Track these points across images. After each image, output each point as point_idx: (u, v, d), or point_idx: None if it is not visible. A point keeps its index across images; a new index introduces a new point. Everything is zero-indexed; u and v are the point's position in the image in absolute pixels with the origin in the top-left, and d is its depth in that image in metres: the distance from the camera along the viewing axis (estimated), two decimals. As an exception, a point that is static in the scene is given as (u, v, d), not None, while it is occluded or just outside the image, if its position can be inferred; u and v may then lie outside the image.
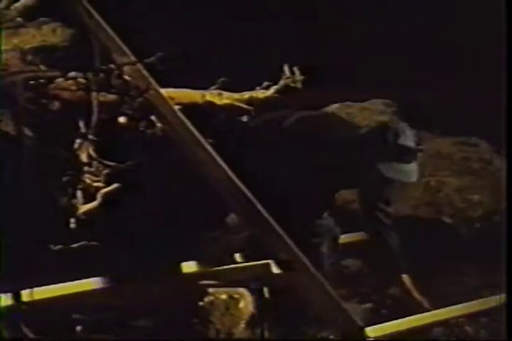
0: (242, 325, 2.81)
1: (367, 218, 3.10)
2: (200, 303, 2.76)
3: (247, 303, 2.79)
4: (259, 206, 2.62)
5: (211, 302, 2.76)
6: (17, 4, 2.86)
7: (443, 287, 3.26)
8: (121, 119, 2.71)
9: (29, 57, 2.88)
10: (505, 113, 2.60)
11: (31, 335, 2.42)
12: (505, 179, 2.67)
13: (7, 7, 2.92)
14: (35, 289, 2.47)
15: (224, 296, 2.76)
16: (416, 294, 3.04)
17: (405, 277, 3.07)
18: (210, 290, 2.78)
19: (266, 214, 2.63)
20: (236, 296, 2.75)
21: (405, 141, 2.73)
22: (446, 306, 2.95)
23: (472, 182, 3.76)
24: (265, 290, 2.71)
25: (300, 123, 2.89)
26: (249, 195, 2.65)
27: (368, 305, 3.18)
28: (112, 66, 2.63)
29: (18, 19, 2.95)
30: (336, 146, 2.79)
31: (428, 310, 2.97)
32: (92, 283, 2.60)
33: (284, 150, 2.84)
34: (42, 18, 3.16)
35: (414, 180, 2.76)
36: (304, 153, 2.79)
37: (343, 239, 3.21)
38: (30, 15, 3.01)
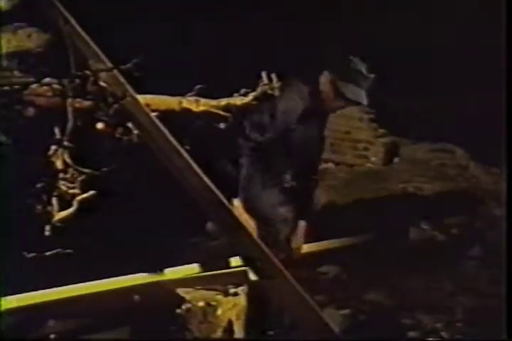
0: (220, 333, 2.80)
1: None
2: (178, 311, 2.74)
3: (224, 310, 2.77)
4: (233, 211, 2.62)
5: (188, 310, 2.74)
6: (-8, 9, 2.83)
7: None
8: (99, 125, 2.68)
9: (4, 63, 2.84)
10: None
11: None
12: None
13: (-19, 12, 2.88)
14: (8, 297, 2.44)
15: (201, 303, 2.75)
16: None
17: None
18: (188, 297, 2.76)
19: (242, 221, 2.63)
20: (213, 303, 2.74)
21: (361, 67, 2.98)
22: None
23: (448, 188, 3.80)
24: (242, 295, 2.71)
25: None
26: (224, 201, 2.65)
27: (345, 311, 3.20)
28: (88, 72, 2.61)
29: (-7, 24, 2.91)
30: None
31: None
32: (68, 291, 2.57)
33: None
34: (17, 23, 3.13)
35: (365, 103, 3.03)
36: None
37: (320, 245, 3.22)
38: (5, 19, 2.98)
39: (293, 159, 3.06)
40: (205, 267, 2.87)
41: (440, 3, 3.92)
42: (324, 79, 3.01)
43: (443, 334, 3.01)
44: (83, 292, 2.66)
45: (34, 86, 2.60)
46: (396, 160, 4.18)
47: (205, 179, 2.64)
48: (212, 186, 2.64)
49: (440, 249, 3.58)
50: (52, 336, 2.64)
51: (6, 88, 2.54)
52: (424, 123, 4.04)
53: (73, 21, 2.73)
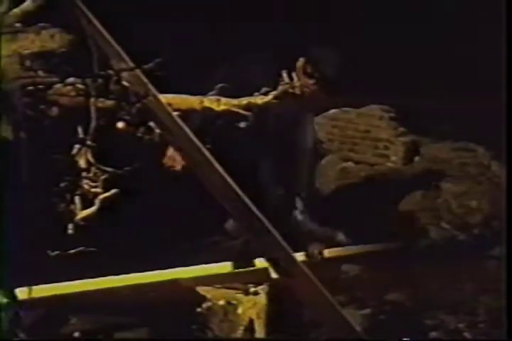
0: (240, 331, 2.81)
1: None
2: (199, 309, 2.75)
3: (245, 309, 2.78)
4: (256, 211, 2.62)
5: (209, 308, 2.76)
6: (16, 10, 2.86)
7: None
8: (120, 125, 2.71)
9: (27, 63, 2.88)
10: (505, 118, 2.60)
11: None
12: (505, 185, 2.68)
13: (6, 12, 2.91)
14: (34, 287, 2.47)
15: (222, 302, 2.76)
16: None
17: None
18: (208, 295, 2.77)
19: (264, 219, 2.63)
20: (234, 302, 2.75)
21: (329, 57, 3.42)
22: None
23: (470, 188, 3.77)
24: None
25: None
26: (246, 199, 2.65)
27: (366, 311, 3.18)
28: (111, 72, 2.63)
29: (17, 25, 2.95)
30: None
31: None
32: (90, 284, 2.59)
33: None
34: (41, 24, 3.16)
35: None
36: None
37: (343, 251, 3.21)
38: (29, 20, 3.01)
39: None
40: (234, 265, 2.88)
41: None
42: (299, 64, 3.26)
43: (466, 334, 2.99)
44: (104, 286, 2.68)
45: (58, 86, 2.63)
46: (417, 159, 4.15)
47: (227, 177, 2.65)
48: (234, 184, 2.64)
49: (462, 248, 3.55)
50: (75, 334, 2.67)
51: (31, 88, 2.57)
52: (445, 121, 4.01)
53: (96, 21, 2.76)
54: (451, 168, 3.91)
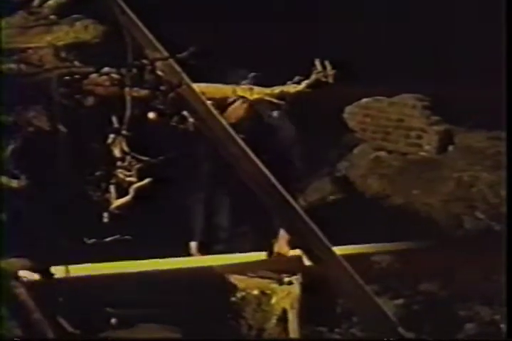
0: (274, 321, 2.81)
1: None
2: (233, 299, 2.76)
3: (278, 299, 2.78)
4: (290, 199, 2.61)
5: (243, 298, 2.76)
6: (51, 2, 2.90)
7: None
8: (151, 115, 2.73)
9: (63, 54, 2.91)
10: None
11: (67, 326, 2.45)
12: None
13: (40, 5, 2.95)
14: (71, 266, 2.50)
15: (256, 292, 2.76)
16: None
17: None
18: (242, 285, 2.78)
19: (298, 208, 2.62)
20: (268, 292, 2.75)
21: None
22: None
23: (505, 177, 3.70)
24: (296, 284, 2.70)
25: None
26: (280, 188, 2.65)
27: (399, 301, 3.16)
28: (145, 61, 2.64)
29: (52, 17, 2.98)
30: None
31: None
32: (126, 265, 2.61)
33: None
34: (74, 15, 3.19)
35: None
36: None
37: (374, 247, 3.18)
38: (63, 12, 3.04)
39: None
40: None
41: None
42: None
43: (502, 326, 2.94)
44: (138, 268, 2.69)
45: (93, 76, 2.65)
46: (451, 148, 4.08)
47: (261, 166, 2.64)
48: (268, 173, 2.64)
49: (497, 239, 3.49)
50: (112, 321, 2.69)
51: (67, 78, 2.60)
52: (479, 110, 3.93)
53: (129, 12, 2.77)
54: (485, 157, 3.84)
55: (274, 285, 2.78)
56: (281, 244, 3.01)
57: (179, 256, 2.86)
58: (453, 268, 3.29)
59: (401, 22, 4.03)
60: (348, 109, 4.01)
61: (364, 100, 4.04)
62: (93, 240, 2.56)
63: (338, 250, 2.64)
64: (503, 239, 2.48)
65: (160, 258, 2.79)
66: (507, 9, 2.98)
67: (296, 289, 2.79)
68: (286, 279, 2.79)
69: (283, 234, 3.00)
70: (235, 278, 2.80)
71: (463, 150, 3.85)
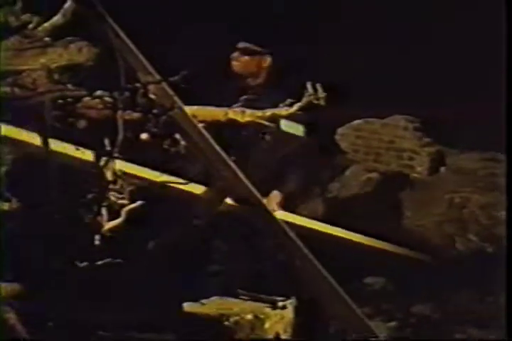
0: (267, 346, 2.78)
1: None
2: (226, 323, 2.74)
3: (272, 324, 2.76)
4: (284, 225, 2.61)
5: (236, 323, 2.74)
6: (46, 24, 2.91)
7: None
8: (143, 136, 2.73)
9: (56, 76, 2.92)
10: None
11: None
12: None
13: (36, 27, 2.96)
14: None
15: (249, 316, 2.74)
16: None
17: None
18: (236, 309, 2.76)
19: (287, 229, 2.62)
20: (262, 316, 2.73)
21: None
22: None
23: (497, 199, 3.71)
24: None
25: None
26: (271, 212, 2.65)
27: (392, 324, 3.15)
28: (138, 85, 2.66)
29: (46, 39, 2.99)
30: None
31: None
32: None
33: None
34: (69, 37, 3.21)
35: None
36: None
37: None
38: (57, 34, 3.05)
39: None
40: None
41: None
42: None
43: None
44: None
45: (86, 99, 2.66)
46: (442, 169, 4.11)
47: (253, 189, 2.65)
48: (260, 197, 2.64)
49: (490, 261, 3.49)
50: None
51: (60, 101, 2.61)
52: (471, 131, 3.96)
53: (123, 35, 2.79)
54: (477, 179, 3.86)
55: (268, 310, 2.76)
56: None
57: (169, 278, 2.85)
58: (446, 290, 3.29)
59: (392, 44, 4.08)
60: (340, 130, 4.05)
61: (356, 122, 4.08)
62: (85, 263, 2.54)
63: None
64: (502, 261, 2.47)
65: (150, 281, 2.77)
66: (507, 32, 3.01)
67: (289, 313, 2.77)
68: (280, 303, 2.78)
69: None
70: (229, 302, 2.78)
71: (454, 172, 3.87)
